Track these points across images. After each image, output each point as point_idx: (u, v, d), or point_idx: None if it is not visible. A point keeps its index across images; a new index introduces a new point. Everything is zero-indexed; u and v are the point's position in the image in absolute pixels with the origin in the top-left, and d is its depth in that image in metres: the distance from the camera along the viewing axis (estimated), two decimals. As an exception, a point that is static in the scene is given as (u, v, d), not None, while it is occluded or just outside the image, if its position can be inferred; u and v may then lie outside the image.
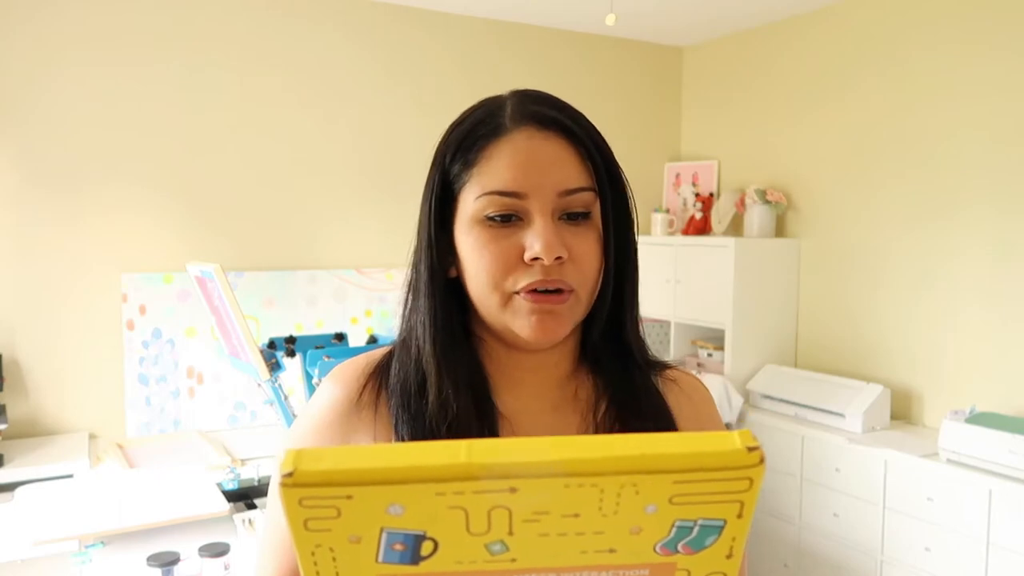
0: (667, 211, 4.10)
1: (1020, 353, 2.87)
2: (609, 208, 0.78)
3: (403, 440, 0.76)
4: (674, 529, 0.41)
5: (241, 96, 3.34)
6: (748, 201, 3.71)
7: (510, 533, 0.41)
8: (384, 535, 0.40)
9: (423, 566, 0.42)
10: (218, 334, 2.63)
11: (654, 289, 3.86)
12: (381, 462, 0.39)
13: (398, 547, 0.41)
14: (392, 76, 3.63)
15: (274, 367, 2.36)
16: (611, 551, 0.42)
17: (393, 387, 0.79)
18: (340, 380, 0.81)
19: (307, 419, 0.82)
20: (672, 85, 4.32)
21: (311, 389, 2.40)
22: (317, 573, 0.42)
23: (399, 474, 0.38)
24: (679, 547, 0.42)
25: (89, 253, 3.11)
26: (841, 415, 3.13)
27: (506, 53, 3.84)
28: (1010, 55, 2.87)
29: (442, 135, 0.80)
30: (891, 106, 3.28)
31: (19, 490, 2.30)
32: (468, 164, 0.76)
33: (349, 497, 0.39)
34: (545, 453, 0.39)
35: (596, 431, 0.80)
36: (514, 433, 0.79)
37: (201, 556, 1.92)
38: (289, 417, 2.39)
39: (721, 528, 0.42)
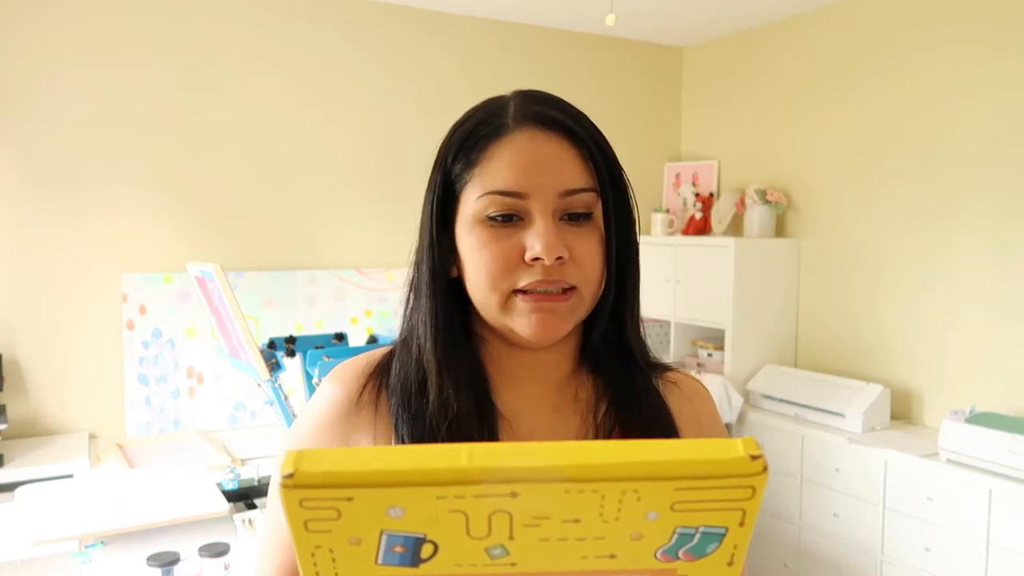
0: (667, 211, 4.10)
1: (1020, 353, 2.87)
2: (611, 209, 0.77)
3: (403, 439, 0.76)
4: (675, 536, 0.41)
5: (241, 96, 3.34)
6: (748, 201, 3.71)
7: (510, 537, 0.41)
8: (384, 537, 0.40)
9: (423, 569, 0.42)
10: (218, 334, 2.63)
11: (654, 289, 3.86)
12: (382, 464, 0.39)
13: (398, 549, 0.41)
14: (392, 76, 3.62)
15: (274, 367, 2.36)
16: (611, 557, 0.42)
17: (394, 386, 0.79)
18: (340, 380, 0.81)
19: (307, 419, 0.82)
20: (672, 85, 4.32)
21: (311, 389, 2.40)
22: (317, 574, 0.42)
23: (400, 477, 0.38)
24: (680, 554, 0.42)
25: (89, 253, 3.11)
26: (841, 415, 3.13)
27: (506, 53, 3.84)
28: (1010, 55, 2.87)
29: (445, 135, 0.80)
30: (891, 106, 3.28)
31: (19, 490, 2.31)
32: (470, 164, 0.76)
33: (350, 499, 0.39)
34: (547, 458, 0.39)
35: (596, 432, 0.80)
36: (514, 433, 0.79)
37: (201, 556, 1.92)
38: (289, 417, 2.39)
39: (723, 536, 0.41)
